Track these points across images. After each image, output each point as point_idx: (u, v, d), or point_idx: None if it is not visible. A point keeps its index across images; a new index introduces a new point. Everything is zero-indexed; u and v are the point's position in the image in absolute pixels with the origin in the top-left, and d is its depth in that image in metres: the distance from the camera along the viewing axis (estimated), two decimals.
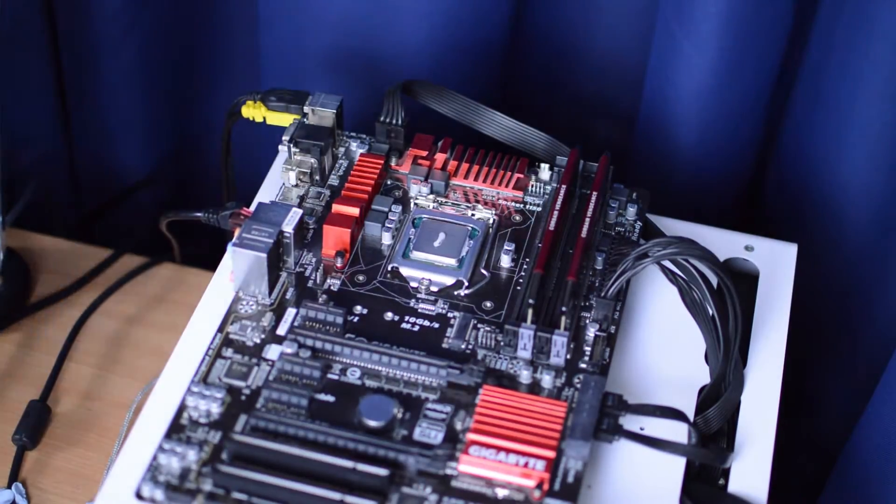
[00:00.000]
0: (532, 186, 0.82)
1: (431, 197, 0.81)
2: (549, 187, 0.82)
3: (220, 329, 0.73)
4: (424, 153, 0.83)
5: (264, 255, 0.73)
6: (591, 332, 0.73)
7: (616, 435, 0.69)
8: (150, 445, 0.67)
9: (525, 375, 0.71)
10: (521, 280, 0.76)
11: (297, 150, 0.82)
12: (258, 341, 0.73)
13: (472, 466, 0.66)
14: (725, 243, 0.82)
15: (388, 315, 0.75)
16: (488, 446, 0.66)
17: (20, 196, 0.99)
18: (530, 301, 0.72)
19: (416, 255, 0.77)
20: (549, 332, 0.71)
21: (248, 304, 0.75)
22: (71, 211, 1.16)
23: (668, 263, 0.74)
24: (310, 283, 0.76)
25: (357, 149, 0.84)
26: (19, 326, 0.94)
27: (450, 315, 0.74)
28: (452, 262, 0.77)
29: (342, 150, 0.85)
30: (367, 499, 0.64)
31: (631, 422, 0.70)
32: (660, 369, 0.74)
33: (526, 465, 0.65)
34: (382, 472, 0.65)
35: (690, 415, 0.71)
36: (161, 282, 0.99)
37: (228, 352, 0.72)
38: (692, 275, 0.73)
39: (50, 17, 1.04)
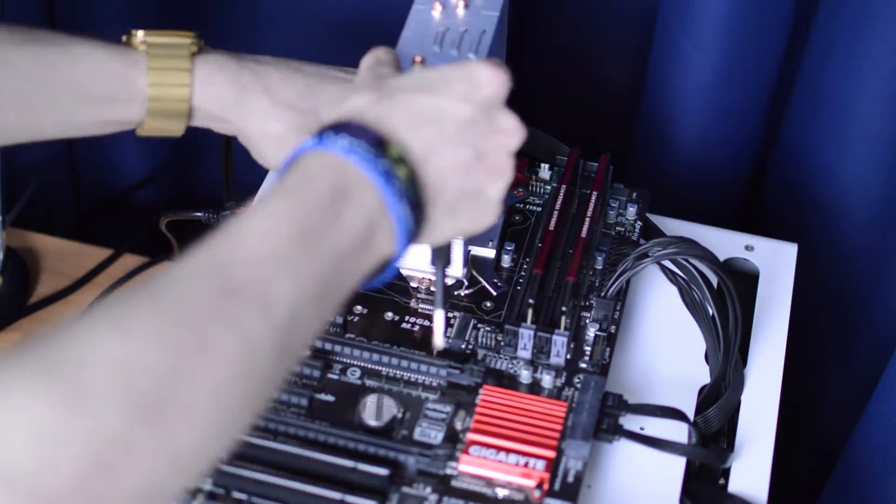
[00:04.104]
0: (532, 186, 0.82)
1: None
2: (549, 187, 0.82)
3: None
4: None
5: None
6: (591, 332, 0.73)
7: (616, 435, 0.69)
8: None
9: (525, 375, 0.71)
10: (521, 280, 0.76)
11: None
12: None
13: (472, 466, 0.66)
14: (725, 243, 0.82)
15: (388, 315, 0.75)
16: (488, 446, 0.66)
17: (20, 196, 0.99)
18: (530, 301, 0.72)
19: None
20: (549, 332, 0.71)
21: None
22: (71, 211, 1.16)
23: (668, 263, 0.74)
24: None
25: None
26: (19, 326, 0.94)
27: (450, 315, 0.74)
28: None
29: None
30: (367, 498, 0.64)
31: (631, 422, 0.70)
32: (660, 369, 0.74)
33: (526, 465, 0.65)
34: (382, 471, 0.65)
35: (690, 415, 0.71)
36: None
37: None
38: (692, 275, 0.73)
39: (50, 18, 1.04)
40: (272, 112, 0.69)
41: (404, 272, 0.76)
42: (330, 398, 0.70)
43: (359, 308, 0.75)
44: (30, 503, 0.41)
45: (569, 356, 0.72)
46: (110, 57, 0.68)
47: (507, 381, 0.71)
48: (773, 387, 0.74)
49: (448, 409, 0.69)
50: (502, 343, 0.72)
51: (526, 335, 0.71)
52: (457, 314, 0.74)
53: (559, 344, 0.71)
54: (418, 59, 0.67)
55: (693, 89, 0.89)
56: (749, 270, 0.81)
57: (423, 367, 0.71)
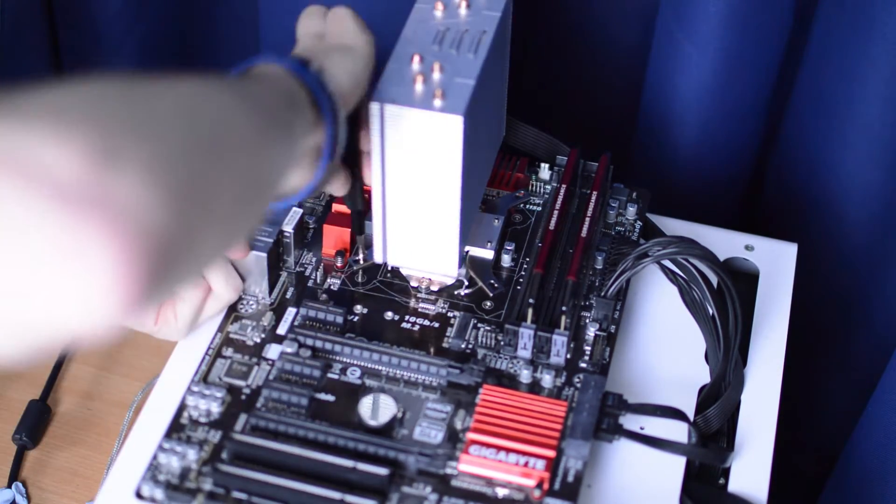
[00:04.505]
0: (532, 186, 0.82)
1: None
2: (549, 187, 0.82)
3: (221, 328, 0.73)
4: None
5: (264, 255, 0.73)
6: (591, 331, 0.73)
7: (616, 434, 0.69)
8: (150, 445, 0.67)
9: (525, 375, 0.71)
10: (521, 280, 0.76)
11: None
12: (258, 341, 0.73)
13: (472, 466, 0.66)
14: (725, 243, 0.82)
15: (388, 315, 0.75)
16: (488, 446, 0.66)
17: None
18: (530, 301, 0.72)
19: None
20: (549, 331, 0.71)
21: (248, 303, 0.75)
22: None
23: (668, 263, 0.74)
24: (310, 283, 0.76)
25: None
26: None
27: (450, 315, 0.74)
28: None
29: None
30: (367, 498, 0.64)
31: (631, 421, 0.70)
32: (660, 369, 0.74)
33: (526, 464, 0.65)
34: (382, 471, 0.65)
35: (690, 414, 0.71)
36: None
37: (229, 351, 0.72)
38: (692, 274, 0.73)
39: (50, 18, 1.04)
40: None
41: (404, 272, 0.76)
42: (330, 398, 0.70)
43: (359, 308, 0.75)
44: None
45: (569, 356, 0.72)
46: None
47: (507, 380, 0.71)
48: (773, 387, 0.74)
49: (448, 408, 0.69)
50: (502, 343, 0.72)
51: (526, 335, 0.71)
52: (457, 314, 0.74)
53: (559, 344, 0.71)
54: (417, 57, 0.67)
55: (693, 89, 0.89)
56: (749, 270, 0.81)
57: (423, 367, 0.71)
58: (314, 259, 0.78)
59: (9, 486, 0.82)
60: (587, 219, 0.78)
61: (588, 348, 0.73)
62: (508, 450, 0.66)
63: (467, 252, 0.77)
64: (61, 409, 0.88)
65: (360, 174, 0.70)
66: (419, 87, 0.66)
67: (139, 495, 0.65)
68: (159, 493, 0.65)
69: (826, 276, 0.94)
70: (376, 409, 0.69)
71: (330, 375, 0.71)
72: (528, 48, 0.98)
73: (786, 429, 0.77)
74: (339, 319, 0.73)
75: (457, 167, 0.67)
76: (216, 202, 0.48)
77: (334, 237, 0.77)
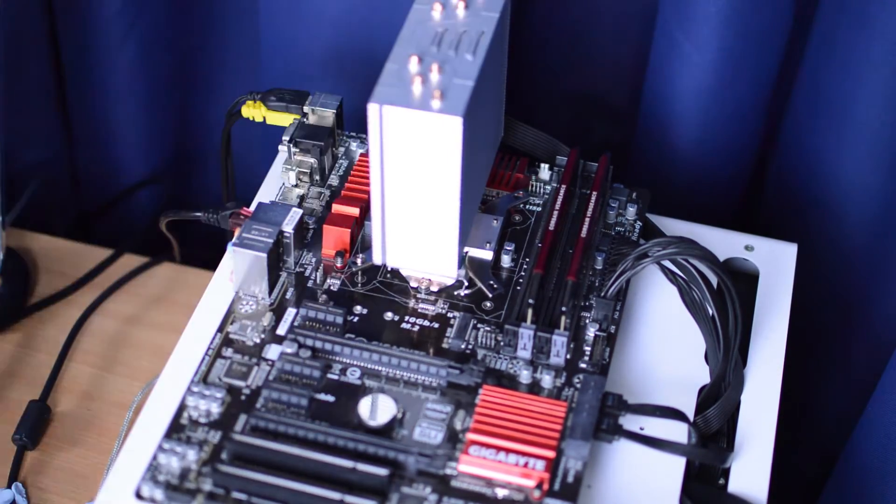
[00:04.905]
0: (532, 186, 0.82)
1: None
2: (549, 187, 0.82)
3: (220, 329, 0.74)
4: None
5: (264, 255, 0.74)
6: (591, 332, 0.73)
7: (616, 435, 0.69)
8: (150, 445, 0.67)
9: (525, 375, 0.71)
10: (521, 280, 0.76)
11: (297, 150, 0.82)
12: (258, 341, 0.73)
13: (471, 466, 0.66)
14: (725, 243, 0.82)
15: (388, 315, 0.75)
16: (488, 446, 0.66)
17: (20, 196, 0.99)
18: (530, 301, 0.72)
19: None
20: (549, 332, 0.71)
21: (248, 304, 0.75)
22: (71, 211, 1.16)
23: (668, 263, 0.74)
24: (310, 283, 0.76)
25: (357, 149, 0.84)
26: (19, 326, 0.94)
27: (450, 315, 0.75)
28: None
29: (342, 150, 0.85)
30: (367, 499, 0.64)
31: (631, 422, 0.70)
32: (660, 369, 0.74)
33: (526, 465, 0.65)
34: (382, 471, 0.65)
35: (690, 415, 0.71)
36: (161, 282, 0.99)
37: (228, 352, 0.72)
38: (692, 275, 0.73)
39: (50, 19, 1.04)
40: None
41: (404, 272, 0.76)
42: (330, 398, 0.70)
43: (359, 308, 0.75)
44: None
45: (569, 356, 0.72)
46: None
47: (507, 381, 0.71)
48: (773, 387, 0.74)
49: (448, 409, 0.69)
50: (502, 343, 0.72)
51: (526, 335, 0.71)
52: (457, 314, 0.74)
53: (559, 344, 0.71)
54: (415, 59, 0.67)
55: (693, 89, 0.89)
56: (749, 270, 0.81)
57: (423, 367, 0.71)
58: (314, 259, 0.78)
59: (9, 487, 0.82)
60: (587, 219, 0.78)
61: (588, 348, 0.73)
62: (508, 450, 0.66)
63: (466, 253, 0.77)
64: (61, 409, 0.88)
65: None
66: (418, 88, 0.66)
67: (139, 495, 0.65)
68: (159, 494, 0.65)
69: (826, 276, 0.94)
70: (376, 409, 0.69)
71: (330, 376, 0.71)
72: (528, 48, 0.98)
73: (786, 429, 0.77)
74: (339, 320, 0.73)
75: (456, 168, 0.67)
76: None
77: (334, 237, 0.77)
